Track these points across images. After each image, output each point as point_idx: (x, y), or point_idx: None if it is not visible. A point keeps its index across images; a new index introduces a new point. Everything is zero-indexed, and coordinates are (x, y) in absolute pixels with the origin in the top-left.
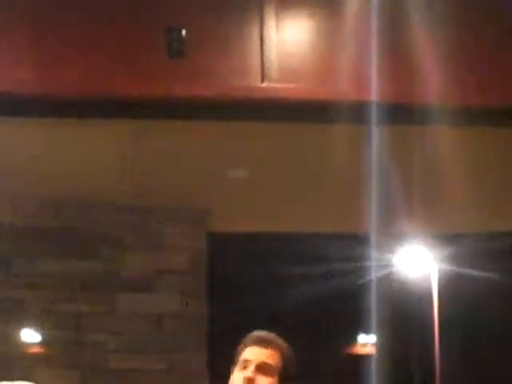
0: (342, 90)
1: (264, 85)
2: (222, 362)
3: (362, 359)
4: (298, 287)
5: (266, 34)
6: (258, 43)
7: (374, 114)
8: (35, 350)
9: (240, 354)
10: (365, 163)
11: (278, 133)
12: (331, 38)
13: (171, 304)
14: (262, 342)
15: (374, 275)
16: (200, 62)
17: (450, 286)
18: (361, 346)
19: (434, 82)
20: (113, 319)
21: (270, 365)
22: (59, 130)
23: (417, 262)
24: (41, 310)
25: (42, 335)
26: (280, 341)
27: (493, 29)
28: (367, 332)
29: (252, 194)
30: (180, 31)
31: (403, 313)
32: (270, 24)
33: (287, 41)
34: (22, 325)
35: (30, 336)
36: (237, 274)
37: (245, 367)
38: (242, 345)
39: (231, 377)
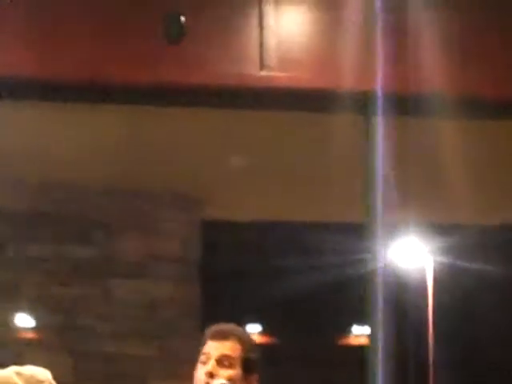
0: (342, 79)
1: (262, 73)
2: None
3: (355, 350)
4: (293, 277)
5: (264, 22)
6: (257, 31)
7: (373, 104)
8: (28, 334)
9: (203, 349)
10: (363, 153)
11: (277, 121)
12: (331, 27)
13: (164, 290)
14: (219, 336)
15: (369, 266)
16: (198, 49)
17: (444, 278)
18: (355, 337)
19: (435, 73)
20: (106, 304)
21: (230, 357)
22: (52, 114)
23: (412, 254)
24: (34, 295)
25: (35, 320)
26: (240, 331)
27: (497, 20)
28: (361, 323)
29: (249, 182)
30: (179, 18)
31: (398, 304)
32: (269, 12)
33: (286, 29)
34: (15, 309)
35: (22, 320)
36: (231, 263)
37: (206, 362)
38: (204, 338)
39: (195, 371)
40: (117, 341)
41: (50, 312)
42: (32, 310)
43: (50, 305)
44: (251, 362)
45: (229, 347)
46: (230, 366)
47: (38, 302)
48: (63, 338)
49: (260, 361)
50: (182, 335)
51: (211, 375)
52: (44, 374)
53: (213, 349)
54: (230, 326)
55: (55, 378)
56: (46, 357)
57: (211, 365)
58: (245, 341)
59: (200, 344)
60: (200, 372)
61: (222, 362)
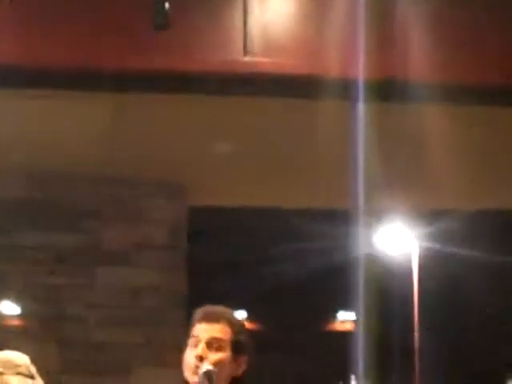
0: (327, 65)
1: (246, 59)
2: None
3: (341, 336)
4: (279, 263)
5: (249, 7)
6: (241, 16)
7: (358, 90)
8: (14, 322)
9: (191, 331)
10: (348, 139)
11: (261, 107)
12: (316, 12)
13: (150, 278)
14: (209, 318)
15: (355, 252)
16: (183, 35)
17: (430, 263)
18: (340, 323)
19: (419, 60)
20: (91, 292)
21: (220, 339)
22: (40, 102)
23: (398, 240)
24: (20, 283)
25: (21, 308)
26: (229, 314)
27: (482, 6)
28: (347, 309)
29: (234, 168)
30: (163, 4)
31: (383, 290)
32: None
33: (271, 14)
34: (0, 297)
35: (8, 308)
36: (218, 250)
37: (195, 345)
38: (192, 321)
39: (184, 355)
40: (103, 329)
41: (36, 300)
42: (18, 299)
43: (36, 293)
44: (241, 344)
45: (218, 330)
46: (220, 349)
47: (24, 290)
48: (49, 326)
49: (249, 342)
50: (169, 323)
51: (201, 358)
52: (22, 358)
53: (202, 331)
54: (219, 308)
55: (40, 365)
56: (32, 345)
57: (201, 348)
58: (234, 323)
59: (187, 328)
60: (190, 355)
61: (211, 344)
